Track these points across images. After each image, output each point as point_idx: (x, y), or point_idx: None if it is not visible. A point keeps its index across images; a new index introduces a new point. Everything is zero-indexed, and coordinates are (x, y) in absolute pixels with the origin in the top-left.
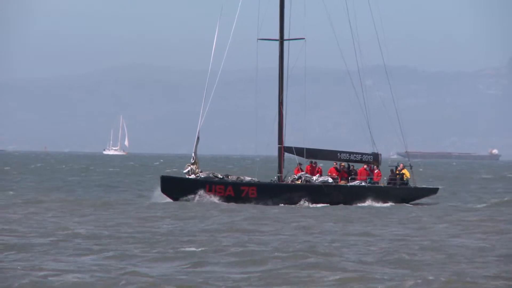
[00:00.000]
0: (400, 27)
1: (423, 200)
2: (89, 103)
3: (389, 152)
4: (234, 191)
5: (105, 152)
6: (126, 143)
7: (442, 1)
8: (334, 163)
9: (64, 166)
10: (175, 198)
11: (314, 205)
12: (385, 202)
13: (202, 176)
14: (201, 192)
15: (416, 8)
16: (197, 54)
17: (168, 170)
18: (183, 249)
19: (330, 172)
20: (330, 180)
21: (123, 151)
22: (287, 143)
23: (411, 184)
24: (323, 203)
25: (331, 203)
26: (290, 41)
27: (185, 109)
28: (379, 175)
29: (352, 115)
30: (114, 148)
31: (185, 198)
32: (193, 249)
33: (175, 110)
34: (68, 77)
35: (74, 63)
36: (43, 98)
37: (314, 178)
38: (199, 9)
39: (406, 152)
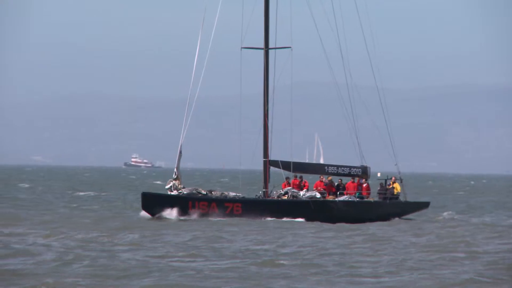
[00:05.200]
0: None
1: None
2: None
3: None
4: (218, 208)
5: None
6: (321, 160)
7: None
8: (321, 177)
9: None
10: (156, 216)
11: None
12: (376, 217)
13: (185, 192)
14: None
15: None
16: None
17: None
18: None
19: (316, 186)
20: (318, 195)
21: None
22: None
23: (402, 198)
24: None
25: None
26: (277, 51)
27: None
28: (368, 189)
29: None
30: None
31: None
32: None
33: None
34: (237, 95)
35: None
36: (219, 114)
37: (301, 193)
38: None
39: None
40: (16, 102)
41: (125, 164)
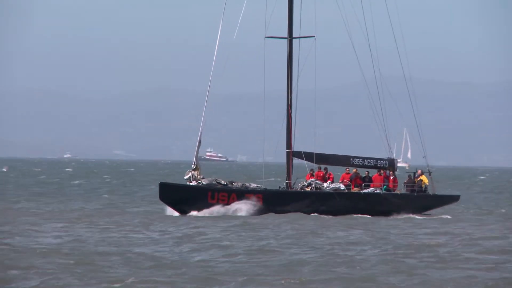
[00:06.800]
0: None
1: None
2: (344, 115)
3: None
4: (238, 199)
5: None
6: (409, 155)
7: None
8: (346, 169)
9: None
10: (174, 206)
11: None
12: (401, 211)
13: (204, 182)
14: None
15: None
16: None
17: None
18: None
19: (342, 178)
20: (342, 187)
21: (406, 163)
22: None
23: (430, 192)
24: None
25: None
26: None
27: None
28: (396, 182)
29: None
30: (397, 160)
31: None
32: None
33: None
34: (327, 89)
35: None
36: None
37: (325, 185)
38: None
39: None
40: (99, 97)
41: (200, 158)
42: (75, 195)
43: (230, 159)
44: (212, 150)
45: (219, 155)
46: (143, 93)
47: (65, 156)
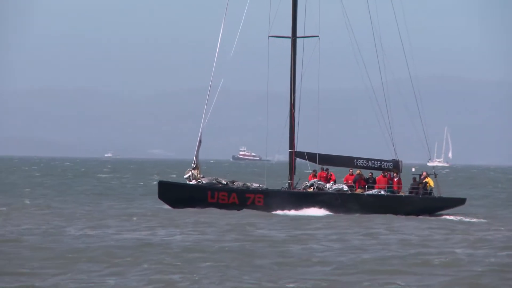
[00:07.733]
0: None
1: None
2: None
3: None
4: (238, 199)
5: (429, 164)
6: (450, 155)
7: None
8: (350, 170)
9: None
10: (173, 205)
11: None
12: (405, 213)
13: (204, 182)
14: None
15: None
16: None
17: None
18: None
19: (346, 179)
20: (345, 188)
21: (447, 162)
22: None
23: (436, 194)
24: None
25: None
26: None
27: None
28: (400, 183)
29: None
30: (438, 160)
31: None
32: None
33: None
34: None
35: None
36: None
37: (328, 185)
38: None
39: None
40: (132, 96)
41: (233, 157)
42: None
43: (265, 158)
44: (245, 149)
45: (253, 154)
46: (177, 92)
47: (105, 155)
